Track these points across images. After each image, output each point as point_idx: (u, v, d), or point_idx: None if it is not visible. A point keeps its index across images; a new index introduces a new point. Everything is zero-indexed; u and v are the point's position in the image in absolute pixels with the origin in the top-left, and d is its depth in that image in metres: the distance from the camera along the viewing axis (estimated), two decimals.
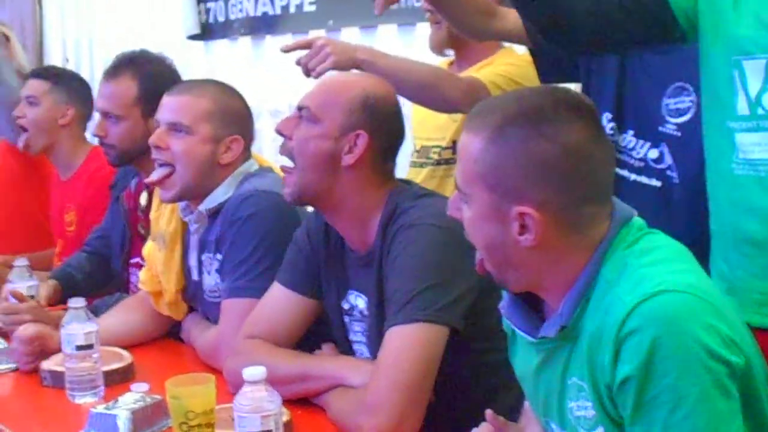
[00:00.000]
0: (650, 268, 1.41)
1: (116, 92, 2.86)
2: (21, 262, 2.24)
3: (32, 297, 2.22)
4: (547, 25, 1.73)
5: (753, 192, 1.68)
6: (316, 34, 3.96)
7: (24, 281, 2.20)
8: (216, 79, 2.71)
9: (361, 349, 2.18)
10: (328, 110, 2.06)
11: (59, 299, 2.83)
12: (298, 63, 2.51)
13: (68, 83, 3.43)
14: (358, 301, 2.14)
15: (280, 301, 2.22)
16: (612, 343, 1.37)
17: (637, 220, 1.51)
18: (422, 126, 3.00)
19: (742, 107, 1.83)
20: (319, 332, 2.23)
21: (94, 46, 5.19)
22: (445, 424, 1.96)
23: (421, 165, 2.98)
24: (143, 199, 2.93)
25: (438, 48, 2.97)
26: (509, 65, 2.79)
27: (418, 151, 3.02)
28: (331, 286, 2.19)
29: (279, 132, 2.12)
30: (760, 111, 1.80)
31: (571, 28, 1.86)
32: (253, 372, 1.67)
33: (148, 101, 2.78)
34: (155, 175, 2.43)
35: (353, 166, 2.05)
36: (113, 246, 3.07)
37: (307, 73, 2.49)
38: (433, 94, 2.61)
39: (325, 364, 2.11)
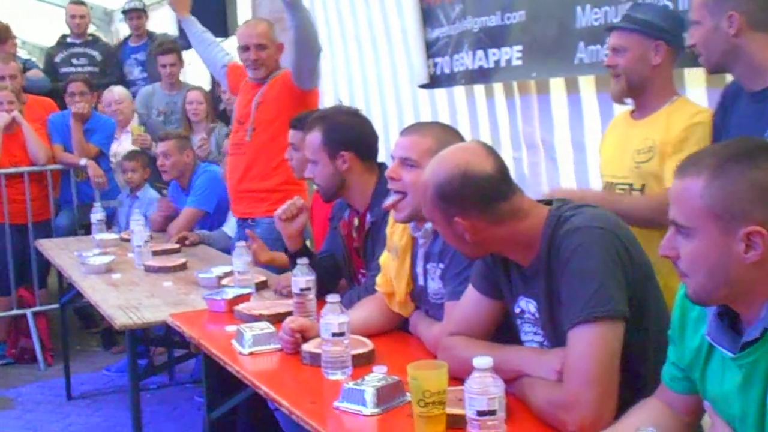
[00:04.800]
0: None
1: (310, 141, 3.11)
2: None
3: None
4: None
5: None
6: (522, 84, 4.03)
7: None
8: (437, 121, 2.79)
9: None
10: None
11: None
12: None
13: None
14: (529, 306, 2.13)
15: (472, 302, 2.27)
16: None
17: None
18: (609, 165, 2.98)
19: None
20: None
21: (357, 92, 5.42)
22: None
23: None
24: (356, 223, 3.12)
25: (618, 98, 2.94)
26: None
27: (604, 188, 2.98)
28: (505, 290, 2.21)
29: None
30: None
31: None
32: (482, 361, 1.74)
33: (331, 146, 3.02)
34: (389, 200, 2.54)
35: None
36: (339, 261, 3.26)
37: None
38: (655, 226, 2.52)
39: (511, 355, 2.10)
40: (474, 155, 2.07)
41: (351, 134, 3.08)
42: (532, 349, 2.14)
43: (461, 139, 2.56)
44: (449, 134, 2.57)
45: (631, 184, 2.85)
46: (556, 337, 2.04)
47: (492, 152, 2.11)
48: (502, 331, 2.26)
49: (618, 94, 2.92)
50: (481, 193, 2.02)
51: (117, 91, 5.97)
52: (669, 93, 2.87)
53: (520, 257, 2.11)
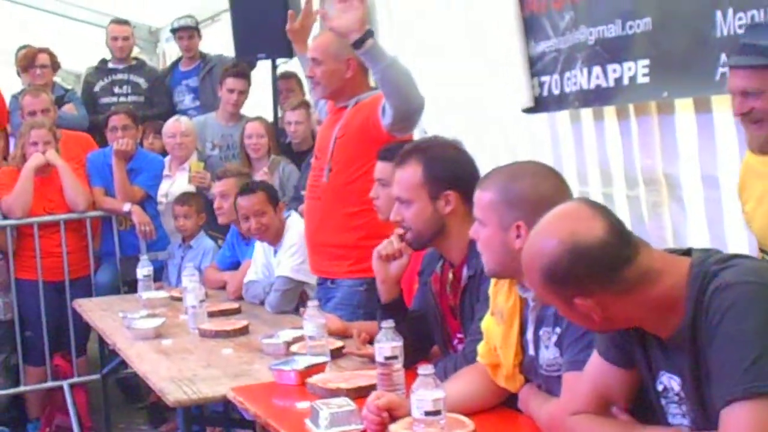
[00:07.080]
0: None
1: (404, 178, 3.12)
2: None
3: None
4: None
5: None
6: (650, 105, 3.99)
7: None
8: (514, 163, 2.80)
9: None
10: None
11: None
12: None
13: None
14: (672, 383, 2.12)
15: (600, 373, 2.25)
16: None
17: None
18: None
19: None
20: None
21: (444, 117, 5.44)
22: None
23: None
24: (450, 277, 3.13)
25: (760, 148, 2.87)
26: None
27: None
28: (642, 365, 2.19)
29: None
30: None
31: None
32: None
33: (434, 184, 3.04)
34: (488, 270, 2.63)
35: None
36: (431, 323, 3.27)
37: None
38: None
39: None
40: (578, 221, 2.05)
41: (456, 171, 3.09)
42: None
43: (538, 172, 2.59)
44: (519, 174, 2.60)
45: None
46: (706, 419, 2.00)
47: (598, 208, 2.09)
48: (642, 409, 2.23)
49: (762, 145, 2.85)
50: (598, 266, 2.00)
51: (185, 121, 6.14)
52: None
53: (661, 326, 2.08)
